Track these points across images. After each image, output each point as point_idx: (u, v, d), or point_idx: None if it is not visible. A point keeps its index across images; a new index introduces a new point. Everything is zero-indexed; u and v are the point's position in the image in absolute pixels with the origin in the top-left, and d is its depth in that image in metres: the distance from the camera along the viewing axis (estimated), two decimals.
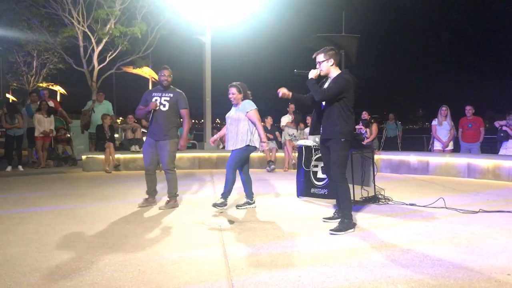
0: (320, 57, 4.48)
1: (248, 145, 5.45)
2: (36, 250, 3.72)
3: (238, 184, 5.71)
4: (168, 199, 5.77)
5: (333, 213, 4.84)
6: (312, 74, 4.49)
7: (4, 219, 4.96)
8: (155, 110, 5.61)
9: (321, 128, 4.58)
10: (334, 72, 4.46)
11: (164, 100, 5.65)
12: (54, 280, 3.00)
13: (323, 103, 4.51)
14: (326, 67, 4.46)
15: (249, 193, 5.72)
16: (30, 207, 5.66)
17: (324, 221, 4.73)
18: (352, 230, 4.31)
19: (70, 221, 4.84)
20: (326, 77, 4.55)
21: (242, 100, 5.55)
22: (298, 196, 6.43)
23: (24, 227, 4.56)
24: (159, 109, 5.62)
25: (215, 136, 6.12)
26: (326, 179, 6.14)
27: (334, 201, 5.96)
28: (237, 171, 5.65)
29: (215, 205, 5.46)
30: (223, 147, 12.30)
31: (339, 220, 4.49)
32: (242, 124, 5.45)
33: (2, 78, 13.09)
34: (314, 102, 4.56)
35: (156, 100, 5.64)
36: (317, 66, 4.51)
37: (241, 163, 5.60)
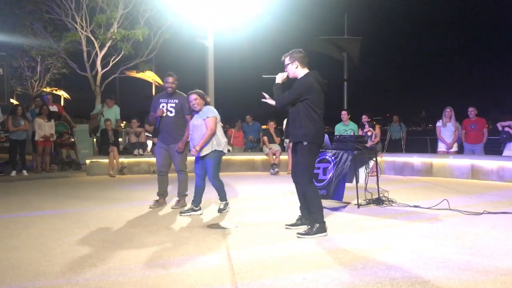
0: (286, 60, 4.45)
1: (215, 150, 5.34)
2: (40, 254, 3.73)
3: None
4: (178, 198, 5.97)
5: (296, 219, 4.68)
6: (279, 78, 4.46)
7: (9, 223, 4.98)
8: (162, 116, 5.82)
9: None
10: (301, 74, 4.40)
11: (170, 107, 5.86)
12: (58, 284, 3.01)
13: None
14: (292, 70, 4.42)
15: (196, 200, 5.51)
16: (35, 212, 5.68)
17: (286, 228, 4.60)
18: (324, 234, 4.23)
19: (74, 225, 4.85)
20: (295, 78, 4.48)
21: (204, 106, 5.45)
22: None
23: (29, 231, 4.57)
24: (166, 115, 5.84)
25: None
26: (326, 180, 6.14)
27: (335, 203, 5.96)
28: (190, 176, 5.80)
29: (220, 210, 5.53)
30: (228, 150, 12.31)
31: (303, 226, 4.49)
32: (204, 129, 5.33)
33: (6, 83, 13.11)
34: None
35: (163, 106, 5.85)
36: (285, 69, 4.48)
37: (218, 168, 5.50)
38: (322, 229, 4.27)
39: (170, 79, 5.84)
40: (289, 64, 4.42)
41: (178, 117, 5.86)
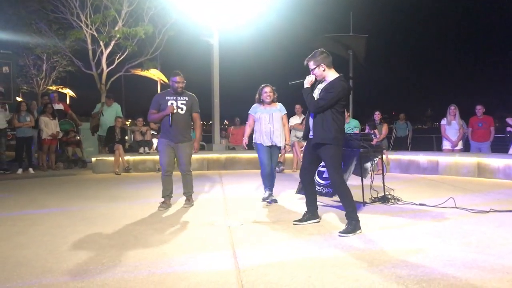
0: (311, 65, 4.44)
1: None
2: (47, 251, 3.75)
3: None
4: (186, 198, 5.93)
5: (303, 215, 4.81)
6: (307, 82, 4.46)
7: (16, 220, 5.01)
8: (173, 113, 5.66)
9: (310, 130, 4.53)
10: (330, 75, 4.40)
11: (181, 104, 5.73)
12: (65, 281, 3.02)
13: None
14: (319, 73, 4.42)
15: (270, 186, 6.19)
16: (41, 209, 5.71)
17: (294, 224, 4.68)
18: (359, 231, 4.29)
19: (80, 223, 4.87)
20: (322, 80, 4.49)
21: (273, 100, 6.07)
22: (296, 193, 6.27)
23: (35, 228, 4.60)
24: (177, 112, 5.69)
25: (246, 139, 6.35)
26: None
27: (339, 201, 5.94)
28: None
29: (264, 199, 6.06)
30: (233, 148, 12.33)
31: (310, 221, 4.68)
32: (281, 123, 6.04)
33: (13, 82, 13.17)
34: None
35: (172, 103, 5.68)
36: (311, 72, 4.47)
37: None
38: (358, 226, 4.32)
39: (179, 79, 5.66)
40: (315, 68, 4.41)
41: (188, 114, 5.77)
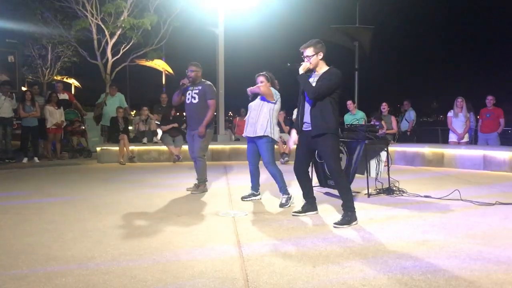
0: (310, 51, 4.34)
1: (269, 136, 5.28)
2: (52, 239, 3.76)
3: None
4: (197, 184, 6.07)
5: (302, 207, 4.80)
6: (303, 68, 4.37)
7: (21, 209, 5.03)
8: (187, 103, 6.01)
9: (305, 122, 4.46)
10: (322, 66, 4.37)
11: (194, 93, 5.99)
12: (69, 269, 3.03)
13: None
14: (316, 61, 4.35)
15: (255, 185, 5.64)
16: (46, 198, 5.73)
17: (293, 215, 4.70)
18: (355, 222, 4.26)
19: (84, 211, 4.89)
20: (312, 70, 4.42)
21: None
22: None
23: (40, 217, 4.62)
24: (190, 102, 5.98)
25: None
26: None
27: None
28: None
29: (282, 205, 5.15)
30: (237, 139, 12.31)
31: (309, 212, 4.71)
32: (264, 111, 5.31)
33: (18, 71, 13.21)
34: (302, 96, 4.47)
35: (188, 94, 6.01)
36: (306, 59, 4.37)
37: (273, 155, 5.39)
38: (354, 217, 4.31)
39: (190, 68, 5.99)
40: (313, 55, 4.33)
41: (202, 103, 5.96)
